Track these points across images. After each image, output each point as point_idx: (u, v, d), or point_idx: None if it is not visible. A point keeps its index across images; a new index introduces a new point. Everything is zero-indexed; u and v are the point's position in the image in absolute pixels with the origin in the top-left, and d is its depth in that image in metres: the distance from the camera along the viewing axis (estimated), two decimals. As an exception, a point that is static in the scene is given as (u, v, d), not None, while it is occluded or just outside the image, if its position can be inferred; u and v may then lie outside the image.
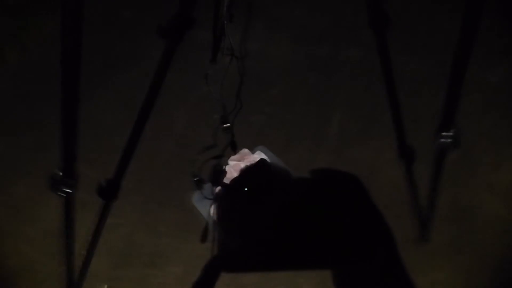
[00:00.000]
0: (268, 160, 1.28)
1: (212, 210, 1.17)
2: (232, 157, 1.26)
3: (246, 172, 1.20)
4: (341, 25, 1.85)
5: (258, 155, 1.29)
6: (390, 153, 1.40)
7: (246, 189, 1.14)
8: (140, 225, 1.25)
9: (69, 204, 0.83)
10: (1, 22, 1.79)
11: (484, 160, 1.40)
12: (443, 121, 0.77)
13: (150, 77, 1.03)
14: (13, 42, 1.72)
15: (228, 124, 1.11)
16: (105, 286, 1.13)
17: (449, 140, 0.77)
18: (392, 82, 0.74)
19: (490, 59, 1.68)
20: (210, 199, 1.16)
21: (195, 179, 1.15)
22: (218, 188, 1.18)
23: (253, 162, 1.24)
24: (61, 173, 0.77)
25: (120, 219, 1.25)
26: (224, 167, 1.22)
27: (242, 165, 1.23)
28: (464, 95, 1.54)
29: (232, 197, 1.18)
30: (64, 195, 0.78)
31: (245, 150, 1.29)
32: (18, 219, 1.26)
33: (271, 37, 1.77)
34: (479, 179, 1.35)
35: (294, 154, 1.41)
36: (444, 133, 0.77)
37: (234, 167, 1.23)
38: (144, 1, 1.96)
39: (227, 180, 1.20)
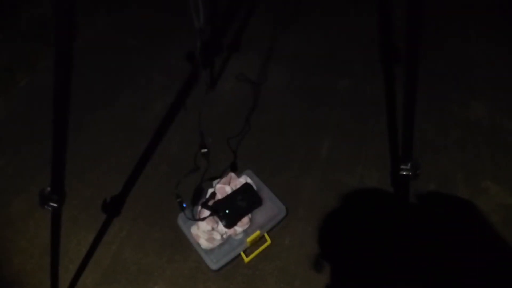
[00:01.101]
0: (253, 185, 1.33)
1: (193, 231, 1.22)
2: (218, 180, 1.32)
3: (229, 196, 1.25)
4: (333, 57, 1.94)
5: (243, 179, 1.34)
6: (373, 180, 1.46)
7: (227, 211, 1.19)
8: (128, 242, 1.30)
9: (56, 218, 0.89)
10: (14, 46, 1.92)
11: (461, 192, 1.44)
12: (402, 156, 0.83)
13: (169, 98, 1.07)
14: (25, 66, 1.84)
15: (206, 150, 1.17)
16: (89, 300, 1.17)
17: (408, 172, 0.83)
18: (394, 113, 0.81)
19: (469, 96, 1.75)
20: (191, 219, 1.22)
21: (178, 200, 1.21)
22: (199, 209, 1.23)
23: (238, 187, 1.29)
24: (49, 189, 0.84)
25: (108, 236, 1.31)
26: (205, 189, 1.29)
27: (227, 188, 1.29)
28: (443, 130, 1.62)
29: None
30: (51, 209, 0.84)
31: (232, 174, 1.34)
32: (12, 232, 1.32)
33: (268, 66, 1.87)
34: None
35: (282, 179, 1.47)
36: (403, 166, 0.83)
37: (219, 190, 1.28)
38: (148, 30, 2.09)
39: (212, 202, 1.25)
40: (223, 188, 1.28)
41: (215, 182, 1.31)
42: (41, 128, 1.66)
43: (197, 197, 1.29)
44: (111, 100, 1.75)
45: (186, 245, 1.28)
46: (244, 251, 1.24)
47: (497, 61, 1.91)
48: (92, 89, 1.78)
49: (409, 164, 0.82)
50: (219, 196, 1.26)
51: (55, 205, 0.84)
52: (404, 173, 0.83)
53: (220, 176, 1.34)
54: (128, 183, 1.27)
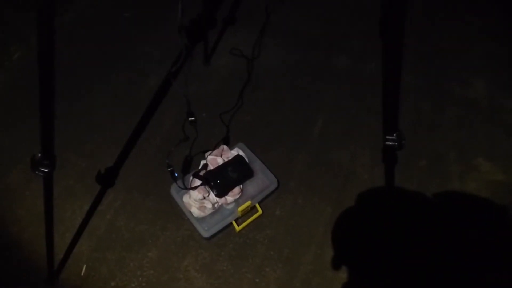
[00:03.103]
0: (245, 157, 1.35)
1: (185, 199, 1.25)
2: (210, 152, 1.34)
3: (221, 166, 1.27)
4: (331, 33, 1.92)
5: (235, 152, 1.36)
6: (366, 158, 1.48)
7: (218, 181, 1.21)
8: (122, 211, 1.33)
9: (48, 183, 0.92)
10: (8, 18, 1.91)
11: (452, 170, 1.45)
12: (387, 126, 0.84)
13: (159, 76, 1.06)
14: (18, 38, 1.83)
15: (193, 118, 1.19)
16: (84, 266, 1.21)
17: (393, 142, 0.84)
18: (392, 90, 0.81)
19: (468, 74, 1.74)
20: (183, 188, 1.24)
21: (169, 169, 1.23)
22: (191, 179, 1.25)
23: (230, 158, 1.31)
24: (39, 155, 0.86)
25: (103, 206, 1.34)
26: (197, 161, 1.30)
27: (219, 159, 1.30)
28: (440, 108, 1.62)
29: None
30: (42, 174, 0.87)
31: (224, 146, 1.36)
32: (10, 202, 1.36)
33: (263, 41, 1.85)
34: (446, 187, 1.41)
35: (274, 153, 1.48)
36: (388, 137, 0.84)
37: (211, 161, 1.30)
38: (144, 2, 2.06)
39: (203, 172, 1.27)
40: (215, 159, 1.30)
41: (207, 154, 1.33)
42: (37, 101, 1.67)
43: (188, 166, 1.31)
44: (105, 73, 1.75)
45: (179, 214, 1.31)
46: (236, 221, 1.27)
47: (498, 36, 1.88)
48: (86, 62, 1.78)
49: (394, 135, 0.83)
50: (211, 167, 1.28)
51: (46, 170, 0.86)
52: (390, 143, 0.84)
53: (212, 148, 1.35)
54: (122, 155, 1.30)
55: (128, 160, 1.44)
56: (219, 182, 1.21)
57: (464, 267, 1.22)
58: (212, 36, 1.83)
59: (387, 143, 0.86)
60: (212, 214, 1.25)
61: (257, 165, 1.36)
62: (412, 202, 1.38)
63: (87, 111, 1.61)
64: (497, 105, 1.65)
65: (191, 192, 1.22)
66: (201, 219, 1.24)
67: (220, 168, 1.25)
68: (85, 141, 1.52)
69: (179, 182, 1.26)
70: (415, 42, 1.76)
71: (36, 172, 0.87)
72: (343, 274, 1.21)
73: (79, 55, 1.79)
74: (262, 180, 1.33)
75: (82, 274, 1.20)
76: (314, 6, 2.05)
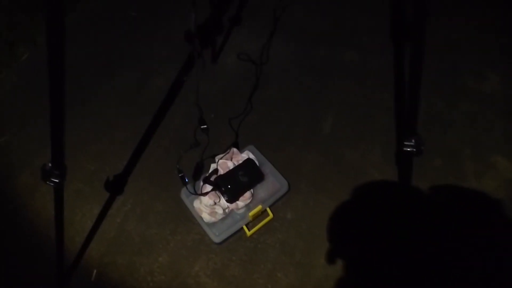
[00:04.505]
0: (255, 160, 1.33)
1: (195, 205, 1.23)
2: (221, 156, 1.32)
3: (232, 171, 1.25)
4: (339, 29, 1.88)
5: (245, 155, 1.33)
6: (377, 156, 1.45)
7: (229, 186, 1.19)
8: (132, 215, 1.32)
9: (58, 193, 0.90)
10: (15, 19, 1.89)
11: (468, 168, 1.42)
12: (406, 131, 0.82)
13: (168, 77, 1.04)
14: (26, 39, 1.82)
15: (205, 126, 1.17)
16: (94, 272, 1.21)
17: (411, 148, 0.82)
18: (402, 89, 0.78)
19: (483, 67, 1.69)
20: (194, 194, 1.23)
21: (180, 175, 1.22)
22: (202, 184, 1.24)
23: (240, 162, 1.29)
24: (50, 165, 0.85)
25: (112, 210, 1.33)
26: (207, 165, 1.29)
27: (229, 163, 1.28)
28: (453, 103, 1.58)
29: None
30: (53, 184, 0.85)
31: (234, 150, 1.34)
32: (19, 205, 1.35)
33: (270, 38, 1.82)
34: (463, 185, 1.38)
35: (284, 154, 1.46)
36: (406, 142, 0.81)
37: (221, 165, 1.28)
38: (150, 1, 2.03)
39: (214, 177, 1.26)
40: (225, 163, 1.28)
41: (217, 157, 1.31)
42: (45, 103, 1.67)
43: (199, 172, 1.29)
44: (112, 73, 1.73)
45: (189, 218, 1.30)
46: (246, 225, 1.25)
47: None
48: (92, 62, 1.77)
49: (412, 140, 0.80)
50: (221, 171, 1.26)
51: (56, 180, 0.85)
52: (408, 149, 0.81)
53: (222, 152, 1.33)
54: (131, 159, 1.28)
55: (137, 163, 1.43)
56: (230, 187, 1.19)
57: (474, 267, 1.19)
58: (219, 34, 1.80)
59: (405, 149, 0.83)
60: (223, 219, 1.23)
61: (267, 168, 1.34)
62: (426, 202, 1.35)
63: (93, 112, 1.60)
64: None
65: (202, 197, 1.21)
66: (212, 224, 1.22)
67: (230, 173, 1.23)
68: (92, 143, 1.51)
69: (190, 187, 1.24)
70: (427, 36, 1.72)
71: (47, 182, 0.85)
72: (355, 277, 1.19)
73: (84, 55, 1.77)
74: (273, 184, 1.31)
75: (92, 279, 1.20)
76: (321, 2, 2.00)
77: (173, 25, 1.87)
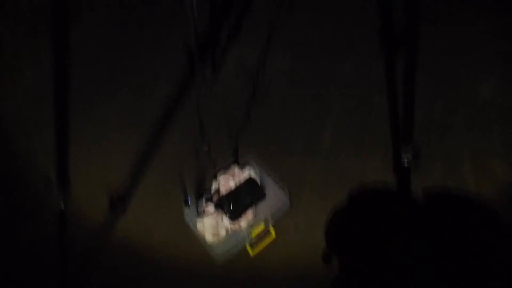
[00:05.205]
0: (257, 176, 1.33)
1: (198, 225, 1.24)
2: (222, 172, 1.32)
3: (234, 191, 1.26)
4: (338, 40, 1.87)
5: (246, 172, 1.34)
6: (376, 165, 1.45)
7: (231, 206, 1.20)
8: (134, 233, 1.33)
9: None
10: (21, 40, 1.90)
11: (467, 173, 1.42)
12: (404, 143, 0.82)
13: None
14: (30, 57, 1.83)
15: (207, 148, 1.19)
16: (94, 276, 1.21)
17: (408, 160, 0.82)
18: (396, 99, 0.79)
19: (480, 73, 1.69)
20: (196, 215, 1.24)
21: (183, 199, 1.23)
22: (204, 204, 1.24)
23: (241, 179, 1.30)
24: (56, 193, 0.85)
25: (116, 229, 1.34)
26: (209, 184, 1.30)
27: (231, 182, 1.29)
28: (452, 108, 1.58)
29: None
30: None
31: (235, 167, 1.34)
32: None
33: (269, 50, 1.82)
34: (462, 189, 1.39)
35: (285, 165, 1.47)
36: (403, 155, 0.82)
37: (223, 183, 1.29)
38: (149, 18, 2.03)
39: (216, 197, 1.26)
40: (227, 182, 1.29)
41: (218, 175, 1.32)
42: (50, 115, 1.68)
43: (201, 191, 1.30)
44: (112, 84, 1.75)
45: (192, 238, 1.30)
46: (250, 245, 1.26)
47: (509, 35, 1.83)
48: (92, 73, 1.78)
49: (409, 152, 0.80)
50: (223, 191, 1.27)
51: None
52: (406, 165, 0.81)
53: (223, 168, 1.34)
54: (133, 177, 1.29)
55: (138, 181, 1.44)
56: (232, 207, 1.20)
57: (472, 272, 1.20)
58: (218, 46, 1.79)
59: (403, 162, 0.83)
60: (225, 239, 1.24)
61: (269, 185, 1.35)
62: (426, 207, 1.35)
63: (95, 124, 1.62)
64: (510, 104, 1.60)
65: (205, 218, 1.21)
66: (215, 244, 1.23)
67: (232, 193, 1.24)
68: (93, 156, 1.52)
69: (192, 208, 1.25)
70: (424, 41, 1.72)
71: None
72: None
73: (85, 67, 1.78)
74: (275, 201, 1.31)
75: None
76: (317, 12, 2.01)
77: (172, 37, 1.87)
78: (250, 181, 1.28)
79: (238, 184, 1.28)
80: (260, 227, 1.24)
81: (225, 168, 1.34)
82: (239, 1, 1.99)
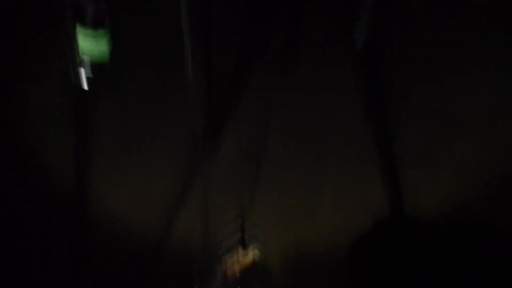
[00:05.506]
0: (260, 256, 1.45)
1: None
2: (228, 259, 1.44)
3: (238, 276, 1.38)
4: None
5: (251, 254, 1.45)
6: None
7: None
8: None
9: None
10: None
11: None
12: None
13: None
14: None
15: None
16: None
17: None
18: None
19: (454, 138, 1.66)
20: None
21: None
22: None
23: (245, 266, 1.42)
24: None
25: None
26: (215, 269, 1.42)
27: (236, 269, 1.41)
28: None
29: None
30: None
31: (240, 251, 1.45)
32: None
33: (263, 135, 1.73)
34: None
35: (285, 236, 1.57)
36: None
37: (229, 270, 1.41)
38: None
39: (221, 281, 1.40)
40: (231, 268, 1.41)
41: (224, 260, 1.43)
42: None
43: (209, 277, 1.41)
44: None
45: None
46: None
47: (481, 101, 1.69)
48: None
49: None
50: (228, 277, 1.39)
51: None
52: None
53: (228, 250, 1.44)
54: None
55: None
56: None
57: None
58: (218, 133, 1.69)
59: None
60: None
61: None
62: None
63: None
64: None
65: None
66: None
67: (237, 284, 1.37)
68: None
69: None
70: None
71: None
72: None
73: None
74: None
75: None
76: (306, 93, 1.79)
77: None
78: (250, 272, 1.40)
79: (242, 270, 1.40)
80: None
81: (230, 251, 1.44)
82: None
